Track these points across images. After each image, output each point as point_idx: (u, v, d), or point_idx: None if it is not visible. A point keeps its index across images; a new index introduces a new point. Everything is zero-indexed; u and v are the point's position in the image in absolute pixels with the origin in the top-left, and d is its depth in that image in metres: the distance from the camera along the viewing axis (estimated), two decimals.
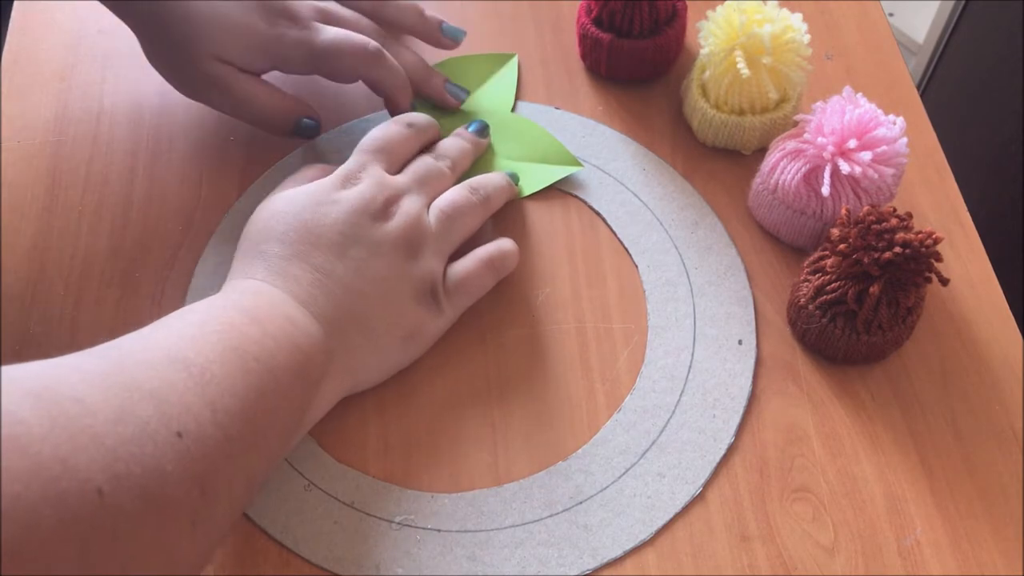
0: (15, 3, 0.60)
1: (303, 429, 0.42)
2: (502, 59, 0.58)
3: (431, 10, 0.59)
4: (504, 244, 0.48)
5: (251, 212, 0.46)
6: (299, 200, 0.45)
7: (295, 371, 0.40)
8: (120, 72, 0.57)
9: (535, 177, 0.53)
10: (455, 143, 0.51)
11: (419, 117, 0.51)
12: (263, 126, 0.51)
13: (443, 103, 0.55)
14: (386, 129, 0.49)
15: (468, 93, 0.56)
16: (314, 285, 0.43)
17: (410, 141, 0.49)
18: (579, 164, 0.53)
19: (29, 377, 0.32)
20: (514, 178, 0.51)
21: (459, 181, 0.50)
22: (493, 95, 0.56)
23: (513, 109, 0.56)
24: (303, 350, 0.40)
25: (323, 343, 0.42)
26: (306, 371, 0.41)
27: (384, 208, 0.45)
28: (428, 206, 0.48)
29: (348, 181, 0.46)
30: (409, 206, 0.46)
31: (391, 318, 0.44)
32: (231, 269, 0.45)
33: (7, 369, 0.32)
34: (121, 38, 0.58)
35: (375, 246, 0.44)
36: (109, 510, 0.30)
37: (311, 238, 0.43)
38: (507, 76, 0.57)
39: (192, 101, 0.51)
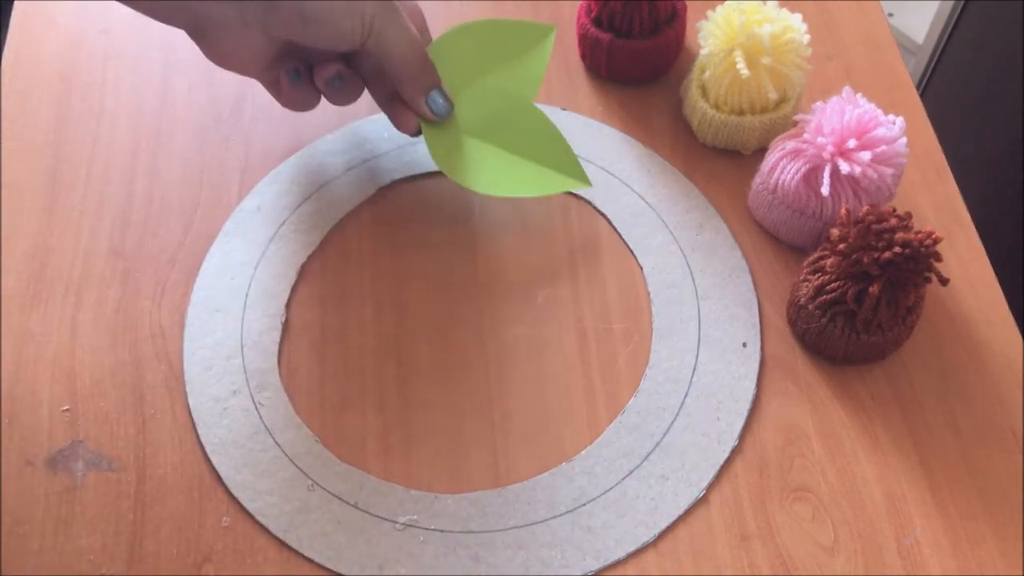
0: (15, 3, 0.60)
1: None
2: (538, 32, 0.51)
3: (432, 11, 0.58)
4: None
5: (255, 212, 0.45)
6: None
7: None
8: (120, 72, 0.57)
9: (535, 179, 0.49)
10: None
11: None
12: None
13: (421, 113, 0.49)
14: None
15: (451, 108, 0.49)
16: None
17: None
18: (588, 183, 0.49)
19: None
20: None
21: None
22: (519, 76, 0.51)
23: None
24: None
25: None
26: None
27: None
28: None
29: None
30: None
31: None
32: None
33: None
34: (121, 38, 0.58)
35: None
36: None
37: None
38: (539, 56, 0.51)
39: (191, 101, 0.50)
